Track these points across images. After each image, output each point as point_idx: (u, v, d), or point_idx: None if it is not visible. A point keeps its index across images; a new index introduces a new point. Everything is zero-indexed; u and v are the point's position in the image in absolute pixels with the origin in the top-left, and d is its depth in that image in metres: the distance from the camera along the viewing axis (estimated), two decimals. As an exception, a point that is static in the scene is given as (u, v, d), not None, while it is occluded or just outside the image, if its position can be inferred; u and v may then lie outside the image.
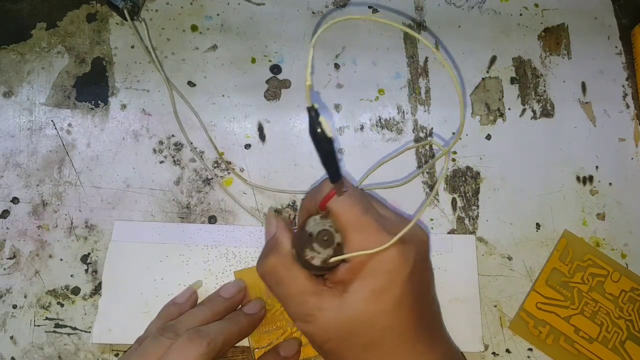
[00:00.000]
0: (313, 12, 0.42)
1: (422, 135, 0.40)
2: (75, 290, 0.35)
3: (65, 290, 0.35)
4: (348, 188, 0.28)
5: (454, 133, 0.40)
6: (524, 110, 0.41)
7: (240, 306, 0.34)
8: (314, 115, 0.21)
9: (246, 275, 0.34)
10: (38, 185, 0.37)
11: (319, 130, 0.21)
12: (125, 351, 0.31)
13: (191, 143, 0.38)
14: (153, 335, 0.29)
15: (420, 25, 0.42)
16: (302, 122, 0.39)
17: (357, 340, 0.28)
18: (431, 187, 0.38)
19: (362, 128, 0.40)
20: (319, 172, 0.38)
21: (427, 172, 0.39)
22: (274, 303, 0.34)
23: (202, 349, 0.28)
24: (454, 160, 0.39)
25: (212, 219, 0.37)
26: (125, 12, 0.38)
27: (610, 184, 0.39)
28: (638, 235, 0.38)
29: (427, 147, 0.39)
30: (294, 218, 0.37)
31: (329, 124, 0.22)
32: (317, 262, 0.28)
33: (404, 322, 0.28)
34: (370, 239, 0.27)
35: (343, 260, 0.28)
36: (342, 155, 0.39)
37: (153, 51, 0.39)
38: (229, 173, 0.38)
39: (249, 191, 0.37)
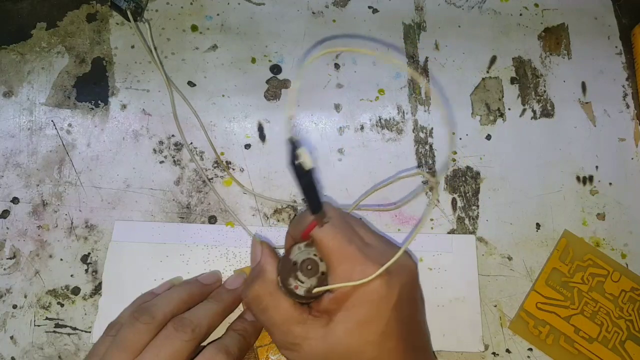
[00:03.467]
0: (313, 12, 0.42)
1: (422, 135, 0.40)
2: (75, 290, 0.35)
3: (65, 290, 0.35)
4: (331, 217, 0.28)
5: (454, 133, 0.40)
6: (524, 110, 0.41)
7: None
8: (293, 146, 0.21)
9: (247, 273, 0.34)
10: (38, 185, 0.37)
11: (296, 162, 0.21)
12: (98, 340, 0.30)
13: (190, 143, 0.38)
14: (128, 322, 0.28)
15: (420, 26, 0.42)
16: (302, 123, 0.39)
17: None
18: (430, 187, 0.38)
19: (362, 128, 0.40)
20: (319, 172, 0.38)
21: (427, 172, 0.39)
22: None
23: (187, 336, 0.28)
24: (454, 160, 0.39)
25: (212, 219, 0.37)
26: (129, 13, 0.38)
27: (610, 184, 0.39)
28: (638, 235, 0.38)
29: (427, 147, 0.39)
30: (294, 217, 0.37)
31: (308, 155, 0.22)
32: (301, 291, 0.28)
33: (392, 354, 0.28)
34: (355, 269, 0.27)
35: (328, 290, 0.28)
36: (342, 155, 0.39)
37: (155, 52, 0.39)
38: (228, 174, 0.38)
39: (249, 191, 0.37)
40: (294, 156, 0.21)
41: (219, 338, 0.30)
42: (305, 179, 0.23)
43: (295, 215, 0.37)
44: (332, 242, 0.28)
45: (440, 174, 0.39)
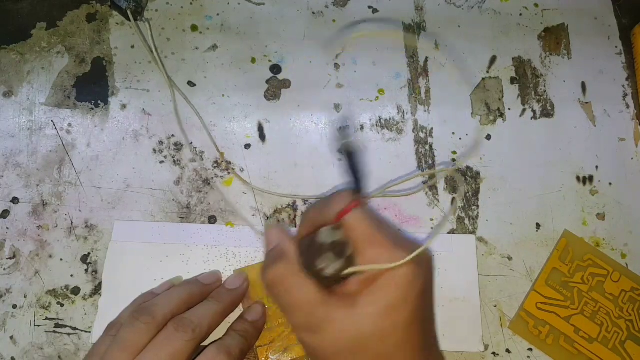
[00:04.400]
0: (313, 12, 0.42)
1: (422, 135, 0.40)
2: (75, 290, 0.35)
3: (65, 290, 0.35)
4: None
5: (454, 133, 0.40)
6: (524, 110, 0.41)
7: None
8: (344, 131, 0.23)
9: (247, 273, 0.34)
10: (38, 185, 0.37)
11: (348, 141, 0.23)
12: (98, 340, 0.30)
13: (191, 143, 0.38)
14: (129, 322, 0.28)
15: (420, 26, 0.42)
16: (302, 122, 0.39)
17: (366, 354, 0.27)
18: (430, 187, 0.38)
19: (362, 128, 0.40)
20: (319, 172, 0.38)
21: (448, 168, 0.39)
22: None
23: (187, 336, 0.28)
24: (454, 160, 0.39)
25: (212, 219, 0.37)
26: (129, 12, 0.38)
27: (610, 184, 0.39)
28: (638, 235, 0.38)
29: (427, 147, 0.39)
30: (294, 218, 0.37)
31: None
32: (329, 272, 0.28)
33: (416, 340, 0.28)
34: (383, 254, 0.27)
35: (354, 273, 0.28)
36: (342, 155, 0.39)
37: (156, 52, 0.39)
38: (229, 173, 0.38)
39: (249, 191, 0.37)
40: (344, 136, 0.23)
41: (220, 339, 0.30)
42: (355, 157, 0.24)
43: (295, 215, 0.37)
44: (362, 226, 0.28)
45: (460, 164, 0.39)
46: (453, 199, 0.38)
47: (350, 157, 0.24)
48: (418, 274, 0.28)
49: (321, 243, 0.28)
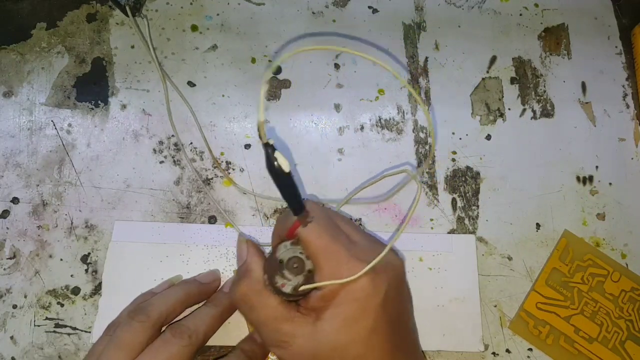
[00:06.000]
0: (313, 12, 0.42)
1: (422, 135, 0.40)
2: (75, 290, 0.35)
3: (65, 290, 0.35)
4: (315, 216, 0.28)
5: (454, 133, 0.40)
6: (524, 110, 0.41)
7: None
8: (270, 151, 0.22)
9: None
10: (38, 185, 0.37)
11: (275, 165, 0.22)
12: (97, 340, 0.30)
13: (190, 143, 0.38)
14: (125, 321, 0.29)
15: (420, 26, 0.42)
16: (302, 122, 0.39)
17: None
18: (430, 186, 0.38)
19: (362, 128, 0.40)
20: (319, 172, 0.38)
21: (426, 172, 0.39)
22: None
23: (184, 342, 0.28)
24: (454, 160, 0.39)
25: (212, 219, 0.37)
26: (127, 8, 0.38)
27: (610, 184, 0.39)
28: (638, 235, 0.38)
29: (427, 147, 0.39)
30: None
31: (286, 158, 0.22)
32: (287, 289, 0.28)
33: (377, 351, 0.28)
34: (341, 267, 0.27)
35: (315, 288, 0.28)
36: (342, 155, 0.39)
37: (152, 49, 0.39)
38: (228, 173, 0.38)
39: (248, 191, 0.37)
40: (271, 160, 0.22)
41: (226, 355, 0.30)
42: (284, 181, 0.23)
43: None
44: (317, 240, 0.28)
45: (438, 171, 0.39)
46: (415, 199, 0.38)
47: (282, 179, 0.22)
48: (378, 283, 0.27)
49: (279, 259, 0.28)
